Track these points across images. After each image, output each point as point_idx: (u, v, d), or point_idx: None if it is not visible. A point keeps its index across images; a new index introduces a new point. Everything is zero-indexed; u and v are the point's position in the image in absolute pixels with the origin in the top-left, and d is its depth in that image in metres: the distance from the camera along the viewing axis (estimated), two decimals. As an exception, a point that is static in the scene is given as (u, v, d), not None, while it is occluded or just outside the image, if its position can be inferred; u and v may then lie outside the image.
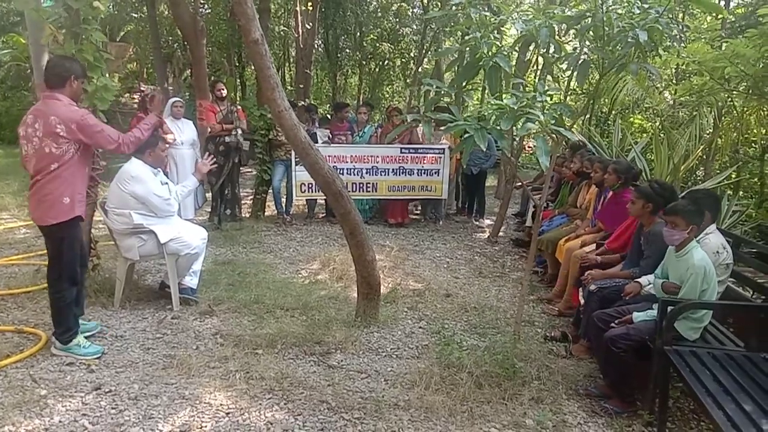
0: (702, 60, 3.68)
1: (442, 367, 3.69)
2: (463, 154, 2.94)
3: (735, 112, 6.71)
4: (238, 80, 17.72)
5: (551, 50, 3.50)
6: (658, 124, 10.74)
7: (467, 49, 3.58)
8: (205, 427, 3.02)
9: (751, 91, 3.74)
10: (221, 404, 3.23)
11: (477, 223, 8.63)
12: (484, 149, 2.97)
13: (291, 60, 14.21)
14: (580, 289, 4.35)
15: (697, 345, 3.31)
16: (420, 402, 3.32)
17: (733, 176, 7.25)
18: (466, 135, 2.97)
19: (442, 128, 3.23)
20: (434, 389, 3.43)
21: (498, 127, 2.87)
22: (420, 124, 3.64)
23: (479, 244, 7.53)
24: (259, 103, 7.85)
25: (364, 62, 16.39)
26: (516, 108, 2.83)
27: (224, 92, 7.47)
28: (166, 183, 4.85)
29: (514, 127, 3.13)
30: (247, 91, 18.00)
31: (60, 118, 3.49)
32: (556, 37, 3.43)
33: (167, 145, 4.89)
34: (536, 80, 3.58)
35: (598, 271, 4.32)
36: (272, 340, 4.06)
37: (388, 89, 18.28)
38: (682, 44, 3.78)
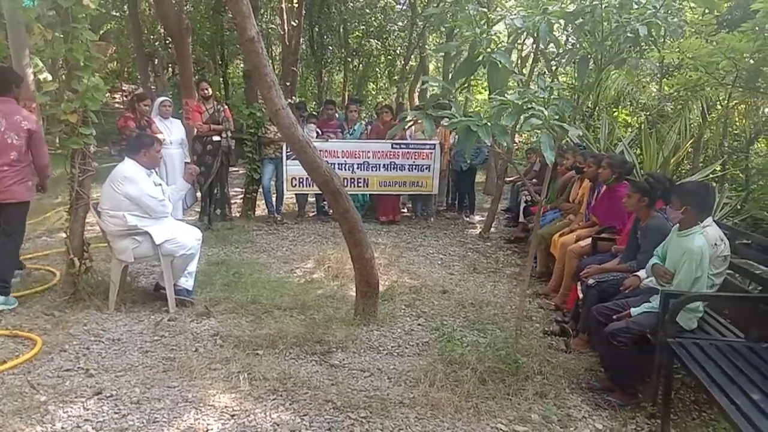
0: (697, 54, 3.70)
1: (445, 363, 3.69)
2: (466, 151, 2.93)
3: (721, 105, 6.80)
4: (221, 79, 17.57)
5: (549, 46, 3.50)
6: (643, 118, 10.85)
7: (465, 45, 3.58)
8: (211, 429, 2.99)
9: (744, 85, 3.76)
10: (226, 406, 3.19)
11: (467, 219, 8.66)
12: (489, 144, 2.97)
13: (275, 58, 14.12)
14: (579, 283, 4.37)
15: (699, 336, 3.35)
16: (425, 399, 3.32)
17: (718, 169, 7.35)
18: (468, 131, 2.96)
19: (444, 123, 3.22)
20: (439, 386, 3.42)
21: (501, 123, 2.87)
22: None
23: (471, 240, 7.55)
24: (247, 102, 7.77)
25: (349, 59, 16.33)
26: (520, 103, 2.83)
27: (209, 91, 7.39)
28: (160, 184, 4.80)
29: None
30: (231, 90, 17.86)
31: (23, 117, 4.48)
32: (554, 33, 3.44)
33: (161, 146, 4.82)
34: (533, 76, 3.59)
35: (595, 266, 4.35)
36: (272, 340, 4.03)
37: (373, 86, 18.24)
38: (681, 38, 3.82)
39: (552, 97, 3.07)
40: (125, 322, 4.36)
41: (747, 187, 7.54)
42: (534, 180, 8.74)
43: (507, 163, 7.72)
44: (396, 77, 17.36)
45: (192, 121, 7.12)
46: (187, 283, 4.81)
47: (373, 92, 18.23)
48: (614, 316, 3.53)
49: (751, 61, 3.52)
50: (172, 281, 4.62)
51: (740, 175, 7.98)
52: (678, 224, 3.51)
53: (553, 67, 4.21)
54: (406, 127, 8.21)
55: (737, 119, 8.43)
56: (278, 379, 3.51)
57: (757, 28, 3.28)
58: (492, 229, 7.91)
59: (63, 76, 4.45)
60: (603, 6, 3.23)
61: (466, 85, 3.99)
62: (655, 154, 6.75)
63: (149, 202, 4.52)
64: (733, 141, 8.61)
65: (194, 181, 6.97)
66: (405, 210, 9.14)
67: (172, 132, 6.79)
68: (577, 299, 4.45)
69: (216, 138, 7.18)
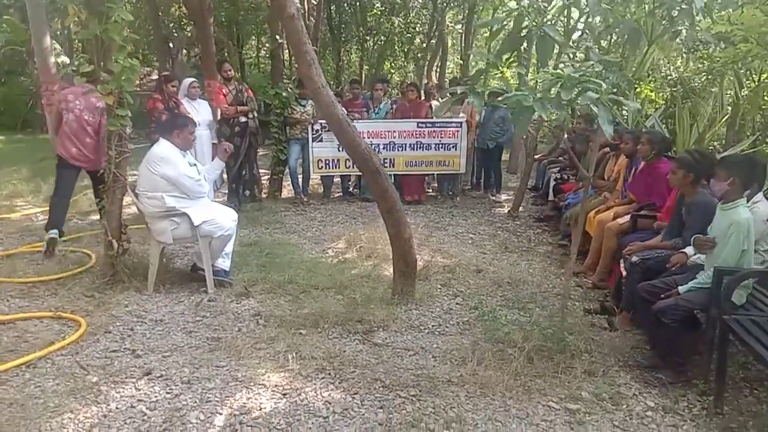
0: (748, 26, 3.59)
1: (492, 342, 3.68)
2: (520, 127, 2.88)
3: (754, 81, 6.63)
4: (238, 59, 17.46)
5: (597, 19, 3.42)
6: (668, 93, 10.63)
7: (510, 19, 3.49)
8: (264, 408, 3.00)
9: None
10: (276, 385, 3.20)
11: (494, 198, 8.58)
12: (546, 119, 2.91)
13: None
14: (621, 261, 4.31)
15: (750, 312, 3.29)
16: (474, 378, 3.30)
17: (747, 147, 7.20)
18: (522, 107, 2.90)
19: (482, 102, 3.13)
20: (486, 365, 3.41)
21: (557, 98, 2.81)
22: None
23: (500, 219, 7.50)
24: (273, 82, 7.71)
25: (367, 38, 16.16)
26: (578, 77, 2.76)
27: (231, 73, 7.34)
28: (195, 164, 4.79)
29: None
30: (246, 71, 17.77)
31: (98, 98, 4.98)
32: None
33: (195, 127, 4.80)
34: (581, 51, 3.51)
35: (638, 243, 4.28)
36: (314, 320, 4.03)
37: (389, 65, 18.08)
38: (732, 9, 3.71)
39: (605, 70, 2.99)
40: (165, 303, 4.39)
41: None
42: (561, 158, 8.66)
43: (536, 141, 7.62)
44: (419, 55, 17.18)
45: (216, 103, 7.09)
46: (224, 263, 4.81)
47: (392, 71, 18.06)
48: (662, 294, 3.47)
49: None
50: (210, 262, 4.63)
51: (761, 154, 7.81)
52: (722, 198, 3.44)
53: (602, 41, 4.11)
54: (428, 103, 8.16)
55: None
56: (324, 357, 3.51)
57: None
58: (520, 208, 7.83)
59: (96, 59, 4.40)
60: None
61: (514, 60, 3.89)
62: (688, 129, 6.62)
63: (186, 182, 4.51)
64: (765, 118, 8.41)
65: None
66: (430, 190, 9.08)
67: (199, 113, 6.75)
68: (619, 277, 4.39)
69: (243, 119, 7.15)
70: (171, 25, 17.68)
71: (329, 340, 3.81)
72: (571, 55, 3.27)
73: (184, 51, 19.05)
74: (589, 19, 3.39)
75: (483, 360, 3.46)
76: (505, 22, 3.58)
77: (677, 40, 3.41)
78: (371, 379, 3.30)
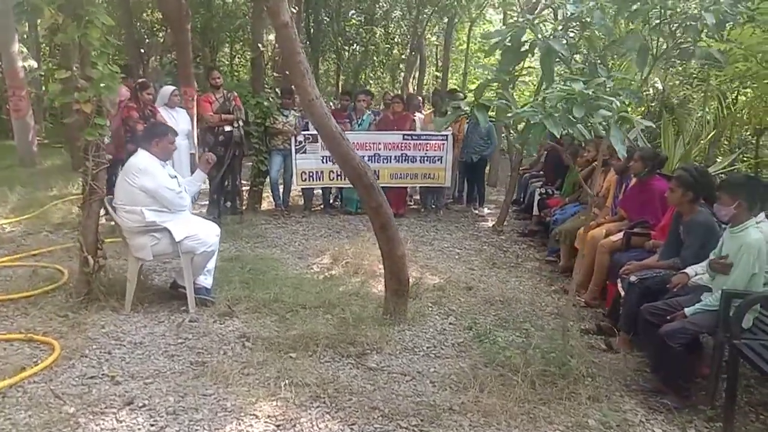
0: (748, 44, 3.56)
1: (492, 366, 3.54)
2: (531, 144, 2.76)
3: (739, 98, 6.69)
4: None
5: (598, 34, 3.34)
6: (645, 107, 10.73)
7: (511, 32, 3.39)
8: (258, 442, 2.80)
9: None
10: (269, 416, 3.01)
11: (476, 211, 8.49)
12: (558, 136, 2.80)
13: (274, 46, 13.78)
14: (619, 281, 4.23)
15: (757, 335, 3.22)
16: (476, 406, 3.16)
17: (726, 164, 7.26)
18: (532, 123, 2.79)
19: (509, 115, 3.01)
20: (489, 391, 3.27)
21: (569, 115, 2.70)
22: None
23: (485, 234, 7.40)
24: (254, 91, 7.51)
25: (346, 47, 16.04)
26: (591, 94, 2.65)
27: (220, 80, 7.14)
28: (175, 176, 4.57)
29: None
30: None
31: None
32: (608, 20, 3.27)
33: (175, 136, 4.58)
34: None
35: (635, 263, 4.21)
36: (304, 342, 3.83)
37: (366, 75, 17.99)
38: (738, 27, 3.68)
39: (617, 87, 2.90)
40: (144, 324, 4.14)
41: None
42: (541, 171, 8.63)
43: (521, 155, 7.57)
44: (399, 66, 17.09)
45: (201, 111, 6.86)
46: (206, 281, 4.59)
47: (369, 81, 17.98)
48: (668, 317, 3.39)
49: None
50: (191, 280, 4.41)
51: (747, 169, 7.90)
52: (729, 221, 3.38)
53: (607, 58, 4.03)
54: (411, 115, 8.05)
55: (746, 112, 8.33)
56: (318, 384, 3.32)
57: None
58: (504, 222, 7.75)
59: (76, 65, 4.17)
60: (663, -9, 3.06)
61: (518, 74, 3.81)
62: (673, 144, 6.64)
63: (167, 195, 4.29)
64: (743, 134, 8.52)
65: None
66: (411, 202, 8.96)
67: (178, 122, 6.51)
68: (616, 297, 4.31)
69: (227, 128, 6.93)
70: (143, 30, 17.30)
71: (321, 364, 3.62)
72: (577, 71, 3.16)
73: (158, 57, 18.67)
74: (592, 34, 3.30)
75: (485, 386, 3.32)
76: (507, 35, 3.47)
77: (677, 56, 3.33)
78: (369, 407, 3.13)
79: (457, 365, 3.69)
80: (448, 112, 7.57)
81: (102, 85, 4.13)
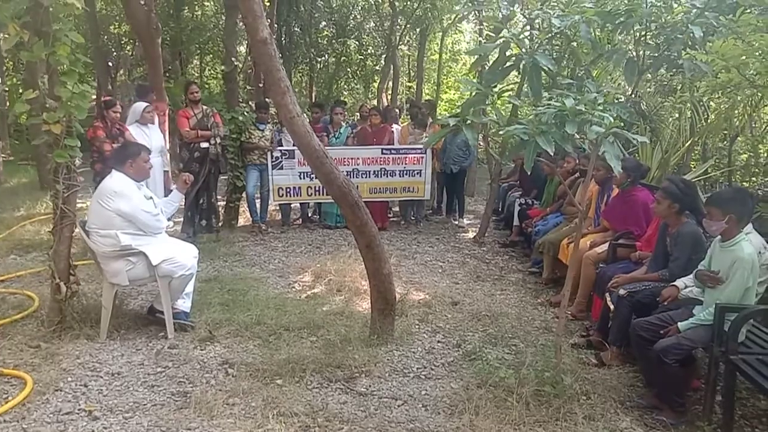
0: (729, 56, 3.57)
1: (486, 388, 3.45)
2: (526, 161, 2.70)
3: (712, 105, 6.77)
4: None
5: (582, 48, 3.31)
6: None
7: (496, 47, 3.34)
8: (247, 479, 2.67)
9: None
10: (258, 450, 2.88)
11: (456, 222, 8.45)
12: (552, 153, 2.75)
13: (246, 59, 13.62)
14: (607, 294, 4.19)
15: (756, 351, 3.19)
16: (471, 430, 3.07)
17: (700, 172, 7.33)
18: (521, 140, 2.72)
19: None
20: (484, 414, 3.18)
21: (562, 131, 2.64)
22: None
23: (466, 246, 7.35)
24: (228, 105, 7.37)
25: (318, 59, 15.97)
26: (583, 110, 2.61)
27: (198, 95, 6.95)
28: (151, 197, 4.41)
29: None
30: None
31: None
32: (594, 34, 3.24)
33: (149, 155, 4.43)
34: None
35: (623, 276, 4.18)
36: (290, 367, 3.70)
37: (345, 86, 17.93)
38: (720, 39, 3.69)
39: (606, 102, 2.86)
40: (122, 352, 3.97)
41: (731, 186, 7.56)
42: (518, 181, 8.63)
43: (500, 166, 7.55)
44: (374, 77, 17.05)
45: (179, 126, 6.69)
46: (184, 305, 4.43)
47: (343, 93, 17.90)
48: (661, 332, 3.35)
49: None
50: (170, 304, 4.24)
51: (721, 175, 8.00)
52: (720, 236, 3.36)
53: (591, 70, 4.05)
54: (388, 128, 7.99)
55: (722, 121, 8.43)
56: (307, 413, 3.20)
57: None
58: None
59: (44, 83, 4.00)
60: (647, 5, 3.05)
61: (505, 89, 3.79)
62: (650, 153, 6.69)
63: (143, 218, 4.13)
64: (715, 142, 8.63)
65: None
66: (390, 214, 8.88)
67: (151, 139, 6.32)
68: (605, 310, 4.27)
69: (204, 144, 6.76)
70: (110, 44, 16.97)
71: (309, 390, 3.49)
72: (569, 87, 3.12)
73: (126, 71, 18.32)
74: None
75: (479, 409, 3.23)
76: (493, 49, 3.42)
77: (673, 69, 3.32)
78: (362, 436, 3.02)
79: (449, 386, 3.60)
80: (428, 123, 7.53)
81: (71, 104, 3.95)
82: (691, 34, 2.88)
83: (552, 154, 2.76)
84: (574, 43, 3.32)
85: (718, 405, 3.25)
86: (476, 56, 3.46)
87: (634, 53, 3.15)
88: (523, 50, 3.17)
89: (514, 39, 3.18)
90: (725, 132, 8.12)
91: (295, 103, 3.61)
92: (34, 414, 3.16)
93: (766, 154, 8.32)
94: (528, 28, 4.98)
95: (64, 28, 3.85)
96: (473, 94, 3.02)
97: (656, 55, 3.17)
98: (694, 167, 7.12)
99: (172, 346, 4.07)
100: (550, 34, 3.36)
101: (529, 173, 7.21)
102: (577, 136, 2.71)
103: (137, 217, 4.10)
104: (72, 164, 4.11)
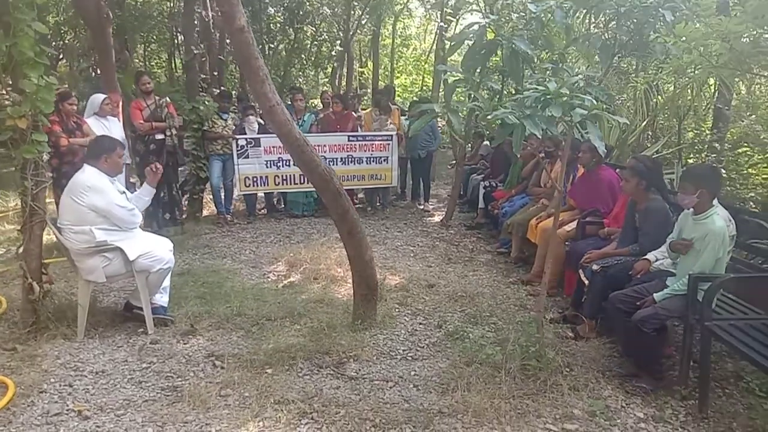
0: (691, 38, 3.74)
1: (475, 365, 3.55)
2: (515, 144, 2.78)
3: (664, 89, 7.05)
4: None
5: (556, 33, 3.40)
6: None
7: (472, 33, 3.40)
8: (252, 468, 2.69)
9: (736, 67, 3.85)
10: (259, 438, 2.89)
11: (422, 207, 8.55)
12: (539, 136, 2.83)
13: (202, 48, 13.25)
14: (581, 270, 4.36)
15: (729, 317, 3.39)
16: (465, 406, 3.16)
17: (655, 150, 7.65)
18: (511, 125, 2.80)
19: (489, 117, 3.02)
20: (475, 390, 3.28)
21: (548, 114, 2.73)
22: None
23: (434, 229, 7.46)
24: (188, 95, 7.21)
25: (271, 45, 15.70)
26: (568, 93, 2.70)
27: (150, 86, 6.76)
28: (124, 192, 4.31)
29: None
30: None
31: None
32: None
33: (124, 149, 4.32)
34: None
35: (595, 252, 4.35)
36: (277, 355, 3.72)
37: (301, 72, 17.70)
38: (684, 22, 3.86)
39: (583, 86, 2.97)
40: (102, 350, 3.89)
41: (680, 164, 7.91)
42: (485, 165, 8.79)
43: (465, 150, 7.66)
44: (330, 63, 16.91)
45: (132, 118, 6.51)
46: (162, 299, 4.38)
47: (300, 80, 17.66)
48: (638, 303, 3.52)
49: (746, 41, 3.59)
50: (148, 299, 4.18)
51: (672, 154, 8.36)
52: (693, 209, 3.54)
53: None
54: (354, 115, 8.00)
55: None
56: (302, 399, 3.23)
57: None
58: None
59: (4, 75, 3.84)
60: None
61: (485, 74, 3.84)
62: (608, 133, 6.91)
63: (118, 213, 4.04)
64: (665, 121, 8.99)
65: (137, 183, 6.45)
66: (357, 202, 8.90)
67: (111, 131, 6.12)
68: (578, 285, 4.44)
69: (159, 136, 6.60)
70: (49, 35, 16.21)
71: (300, 378, 3.52)
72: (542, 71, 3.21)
73: (71, 62, 17.55)
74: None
75: (470, 385, 3.33)
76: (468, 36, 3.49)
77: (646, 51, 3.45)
78: (359, 419, 3.07)
79: (437, 366, 3.69)
80: (390, 108, 7.52)
81: (37, 98, 3.81)
82: (661, 18, 3.01)
83: (540, 137, 2.85)
84: (546, 30, 3.39)
85: (692, 370, 3.45)
86: (452, 43, 3.49)
87: (606, 37, 3.26)
88: (500, 35, 3.24)
89: (491, 25, 3.23)
90: (676, 111, 8.49)
91: (274, 91, 3.59)
92: (20, 417, 3.08)
93: (708, 133, 8.70)
94: (489, 13, 5.07)
95: (26, 18, 3.70)
96: (451, 81, 3.07)
97: (627, 39, 3.29)
98: (650, 147, 7.40)
99: (153, 342, 4.02)
100: (527, 20, 3.43)
101: (505, 156, 7.33)
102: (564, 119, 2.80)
103: (112, 212, 4.01)
104: (40, 159, 3.98)
